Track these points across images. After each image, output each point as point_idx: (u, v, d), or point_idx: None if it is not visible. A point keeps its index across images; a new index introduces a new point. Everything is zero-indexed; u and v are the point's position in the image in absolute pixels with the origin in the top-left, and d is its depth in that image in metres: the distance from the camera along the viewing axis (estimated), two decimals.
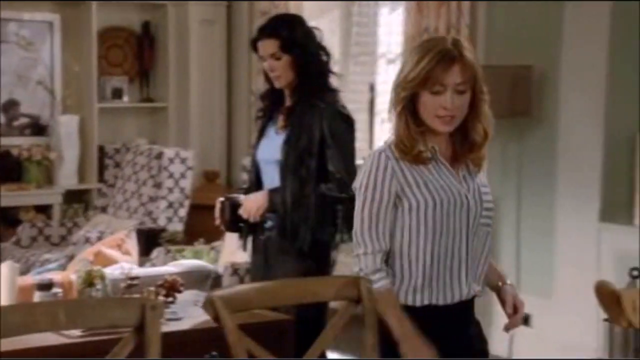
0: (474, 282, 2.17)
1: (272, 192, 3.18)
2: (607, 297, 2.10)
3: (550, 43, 4.50)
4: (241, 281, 3.92)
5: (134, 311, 1.82)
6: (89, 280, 3.21)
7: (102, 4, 5.98)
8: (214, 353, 2.89)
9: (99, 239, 4.87)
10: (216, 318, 1.95)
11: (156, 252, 4.61)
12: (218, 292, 1.99)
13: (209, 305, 1.95)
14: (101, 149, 6.01)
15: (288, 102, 3.24)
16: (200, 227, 4.85)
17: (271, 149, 3.22)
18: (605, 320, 2.13)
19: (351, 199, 3.21)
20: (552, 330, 4.33)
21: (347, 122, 3.19)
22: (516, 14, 4.65)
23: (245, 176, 4.45)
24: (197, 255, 4.40)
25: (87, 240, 4.99)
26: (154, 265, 4.42)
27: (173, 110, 6.26)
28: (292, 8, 5.68)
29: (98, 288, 3.21)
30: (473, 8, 4.81)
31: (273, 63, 3.20)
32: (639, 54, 4.32)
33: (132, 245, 4.57)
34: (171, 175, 5.34)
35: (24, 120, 5.97)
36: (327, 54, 3.26)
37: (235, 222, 3.21)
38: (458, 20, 4.83)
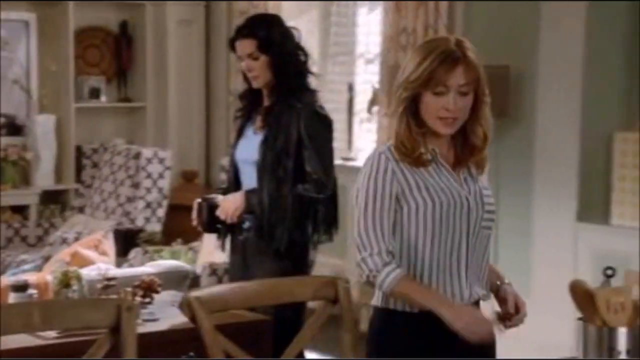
0: (477, 286, 2.13)
1: (249, 193, 3.17)
2: (581, 296, 2.11)
3: (527, 43, 4.53)
4: (219, 281, 3.91)
5: (109, 312, 1.81)
6: (65, 281, 3.19)
7: (79, 3, 5.94)
8: (191, 354, 2.88)
9: (76, 239, 4.84)
10: (193, 319, 1.94)
11: (134, 253, 4.58)
12: (194, 293, 1.98)
13: (185, 306, 1.94)
14: (78, 149, 5.97)
15: (266, 102, 3.24)
16: (178, 228, 4.83)
17: (249, 149, 3.22)
18: (580, 319, 2.13)
19: (328, 199, 3.24)
20: (530, 330, 4.34)
21: (325, 123, 3.19)
22: (493, 14, 4.67)
23: (223, 176, 4.43)
24: (174, 255, 4.38)
25: (64, 241, 4.95)
26: (131, 265, 4.39)
27: (151, 110, 6.23)
28: (271, 8, 5.67)
29: (74, 289, 3.19)
30: (451, 8, 4.83)
31: (251, 63, 3.19)
32: (614, 54, 4.36)
33: (109, 245, 4.54)
34: (149, 176, 5.31)
35: None
36: (305, 54, 3.26)
37: (213, 223, 3.21)
38: (436, 20, 4.84)
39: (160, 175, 5.33)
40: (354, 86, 5.90)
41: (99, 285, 3.25)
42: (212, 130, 6.37)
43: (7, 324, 1.73)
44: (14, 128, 5.94)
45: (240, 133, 3.29)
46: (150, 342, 2.91)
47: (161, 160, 5.35)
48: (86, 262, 4.02)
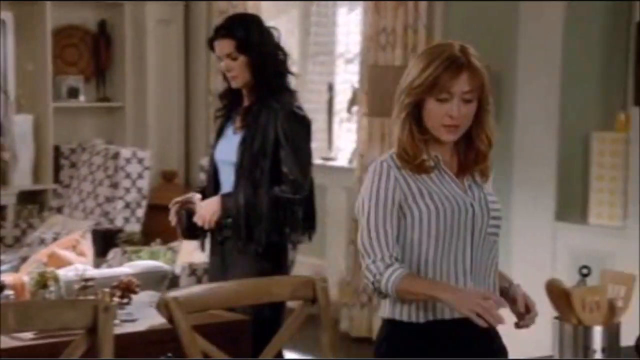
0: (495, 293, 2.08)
1: (225, 197, 3.16)
2: (557, 295, 2.12)
3: (506, 43, 4.55)
4: (199, 282, 3.90)
5: (86, 313, 1.80)
6: (42, 282, 3.17)
7: (57, 2, 5.90)
8: (170, 354, 2.87)
9: (55, 240, 4.81)
10: (170, 319, 1.93)
11: (112, 253, 4.56)
12: (172, 293, 1.97)
13: (162, 307, 1.93)
14: (56, 149, 5.93)
15: (246, 102, 3.23)
16: (158, 228, 4.81)
17: (229, 149, 3.21)
18: (556, 318, 2.15)
19: (305, 200, 3.24)
20: (508, 328, 4.36)
21: (302, 123, 3.18)
22: (472, 14, 4.68)
23: (203, 176, 4.42)
24: (153, 256, 4.37)
25: (42, 242, 4.92)
26: (110, 266, 4.37)
27: (130, 109, 6.20)
28: (250, 8, 5.66)
29: (51, 290, 3.17)
30: (430, 8, 4.84)
31: (229, 63, 3.18)
32: (593, 54, 4.39)
33: (87, 246, 4.52)
34: (128, 176, 5.29)
35: None
36: (285, 54, 3.25)
37: (192, 230, 3.20)
38: (415, 20, 4.86)
39: (140, 176, 5.31)
40: (334, 86, 5.90)
41: (77, 286, 3.23)
42: (191, 130, 6.35)
43: None
44: None
45: (220, 133, 3.28)
46: (128, 343, 2.89)
47: (140, 160, 5.32)
48: (64, 263, 3.99)
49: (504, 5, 4.56)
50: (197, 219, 3.16)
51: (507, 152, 4.58)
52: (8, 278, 3.59)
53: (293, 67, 3.35)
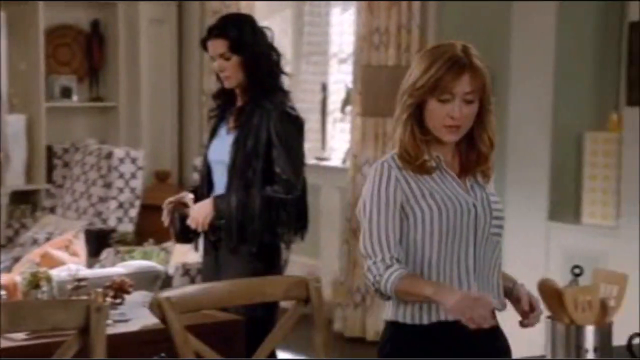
0: (489, 295, 2.06)
1: (218, 198, 3.16)
2: (550, 294, 2.13)
3: (499, 43, 4.56)
4: (192, 282, 3.89)
5: (78, 313, 1.80)
6: (34, 282, 3.16)
7: (50, 2, 5.89)
8: (163, 354, 2.87)
9: (47, 240, 4.80)
10: (163, 319, 1.93)
11: (105, 253, 4.55)
12: (165, 293, 1.97)
13: (155, 307, 1.93)
14: (49, 149, 5.92)
15: (239, 102, 3.23)
16: (151, 228, 4.80)
17: (222, 149, 3.21)
18: (548, 317, 2.15)
19: (298, 199, 3.24)
20: (502, 327, 4.37)
21: (295, 123, 3.18)
22: (466, 14, 4.69)
23: (196, 176, 4.42)
24: (146, 256, 4.36)
25: (35, 242, 4.91)
26: (103, 266, 4.36)
27: (123, 109, 6.20)
28: (244, 7, 5.66)
29: (44, 290, 3.16)
30: (423, 8, 4.85)
31: (222, 63, 3.18)
32: (585, 54, 4.40)
33: (80, 246, 4.51)
34: (121, 176, 5.28)
35: None
36: (278, 54, 3.25)
37: (185, 234, 3.20)
38: (409, 20, 4.86)
39: (133, 175, 5.30)
40: (328, 86, 5.90)
41: (69, 286, 3.22)
42: (184, 130, 6.34)
43: None
44: None
45: (213, 133, 3.28)
46: (121, 343, 2.89)
47: (133, 160, 5.32)
48: (56, 263, 3.98)
49: (497, 5, 4.57)
50: (190, 222, 3.15)
51: (500, 152, 4.57)
52: (0, 278, 3.58)
53: (286, 67, 3.35)
